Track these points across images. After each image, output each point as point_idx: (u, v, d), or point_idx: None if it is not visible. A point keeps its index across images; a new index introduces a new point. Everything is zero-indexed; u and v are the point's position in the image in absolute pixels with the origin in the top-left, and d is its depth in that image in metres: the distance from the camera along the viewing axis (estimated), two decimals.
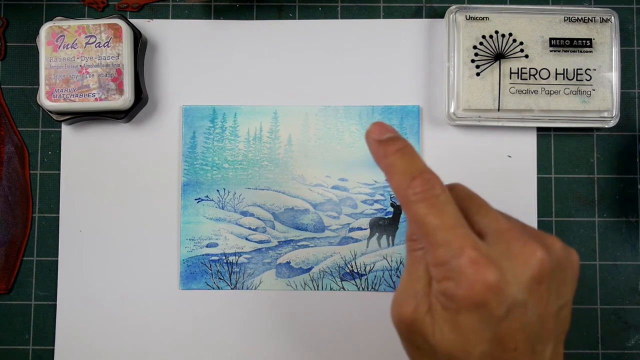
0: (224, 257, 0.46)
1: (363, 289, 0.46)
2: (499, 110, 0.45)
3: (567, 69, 0.46)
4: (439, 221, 0.31)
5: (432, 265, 0.31)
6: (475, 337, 0.31)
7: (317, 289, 0.46)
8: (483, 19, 0.46)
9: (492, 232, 0.32)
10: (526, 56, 0.46)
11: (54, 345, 0.46)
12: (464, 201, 0.33)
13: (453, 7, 0.46)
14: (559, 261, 0.32)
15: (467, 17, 0.46)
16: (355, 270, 0.46)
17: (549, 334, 0.32)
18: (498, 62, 0.46)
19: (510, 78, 0.45)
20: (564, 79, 0.46)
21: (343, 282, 0.46)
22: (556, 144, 0.48)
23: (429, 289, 0.32)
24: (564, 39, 0.46)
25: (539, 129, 0.48)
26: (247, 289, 0.46)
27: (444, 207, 0.31)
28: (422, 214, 0.31)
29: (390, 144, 0.33)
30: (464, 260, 0.30)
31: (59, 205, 0.47)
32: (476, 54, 0.46)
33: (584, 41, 0.46)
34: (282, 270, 0.46)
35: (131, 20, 0.47)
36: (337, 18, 0.48)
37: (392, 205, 0.47)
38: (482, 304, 0.30)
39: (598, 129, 0.48)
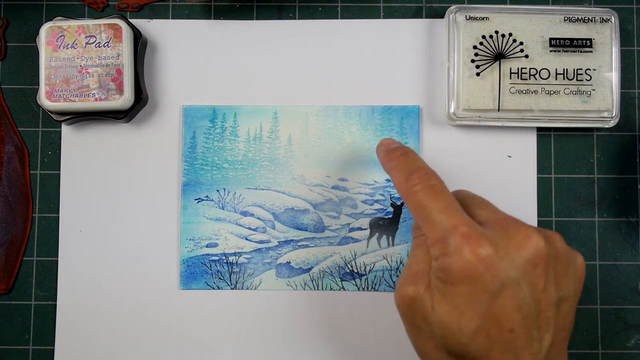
0: (224, 257, 0.46)
1: (363, 289, 0.46)
2: (499, 110, 0.45)
3: (567, 69, 0.46)
4: (434, 204, 0.34)
5: (430, 246, 0.34)
6: (470, 311, 0.32)
7: (317, 289, 0.46)
8: (483, 19, 0.46)
9: (491, 221, 0.34)
10: (526, 56, 0.46)
11: (54, 345, 0.46)
12: (466, 199, 0.36)
13: (453, 7, 0.46)
14: (558, 253, 0.34)
15: (467, 17, 0.46)
16: (355, 270, 0.46)
17: (547, 323, 0.33)
18: (498, 62, 0.46)
19: (510, 78, 0.45)
20: (564, 79, 0.46)
21: (343, 282, 0.46)
22: (556, 144, 0.48)
23: (428, 268, 0.34)
24: (564, 39, 0.46)
25: (539, 129, 0.48)
26: (247, 289, 0.46)
27: (438, 193, 0.34)
28: (419, 200, 0.34)
29: (395, 150, 0.38)
30: (457, 236, 0.32)
31: (59, 205, 0.47)
32: (476, 54, 0.46)
33: (584, 41, 0.46)
34: (282, 270, 0.46)
35: (131, 20, 0.47)
36: (337, 18, 0.48)
37: (392, 205, 0.47)
38: (475, 276, 0.32)
39: (598, 129, 0.48)
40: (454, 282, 0.32)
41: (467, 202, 0.36)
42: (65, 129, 0.47)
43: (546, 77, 0.46)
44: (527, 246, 0.32)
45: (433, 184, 0.35)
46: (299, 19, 0.48)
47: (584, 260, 0.35)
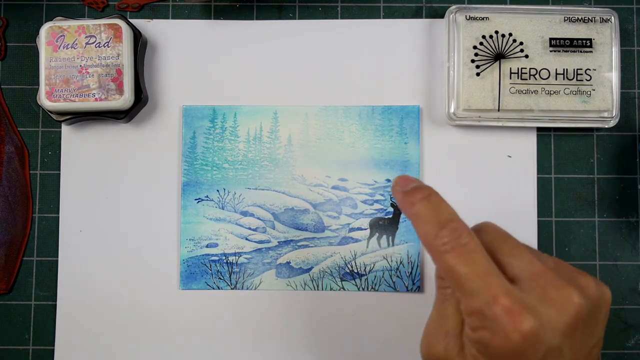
0: (224, 257, 0.46)
1: (363, 289, 0.46)
2: (499, 110, 0.45)
3: (567, 69, 0.46)
4: (469, 270, 0.30)
5: (465, 314, 0.31)
6: None
7: (317, 289, 0.46)
8: (483, 19, 0.46)
9: (526, 276, 0.31)
10: (526, 56, 0.46)
11: (54, 345, 0.46)
12: (494, 243, 0.33)
13: (453, 7, 0.46)
14: (594, 303, 0.32)
15: (467, 17, 0.46)
16: (355, 270, 0.46)
17: None
18: (498, 62, 0.46)
19: (510, 78, 0.45)
20: (564, 79, 0.46)
21: (343, 282, 0.46)
22: (556, 144, 0.48)
23: (460, 329, 0.32)
24: (564, 39, 0.46)
25: (539, 129, 0.48)
26: (247, 289, 0.46)
27: (473, 255, 0.30)
28: (451, 264, 0.30)
29: (415, 193, 0.33)
30: (498, 308, 0.29)
31: (59, 205, 0.47)
32: (476, 54, 0.46)
33: (584, 41, 0.46)
34: (282, 270, 0.46)
35: (131, 20, 0.47)
36: (337, 18, 0.48)
37: (392, 205, 0.47)
38: (519, 353, 0.30)
39: (598, 129, 0.48)
40: (494, 356, 0.30)
41: (495, 247, 0.32)
42: (65, 129, 0.47)
43: (546, 77, 0.46)
44: (569, 309, 0.30)
45: (465, 243, 0.31)
46: (299, 19, 0.48)
47: (610, 291, 0.33)
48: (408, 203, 0.33)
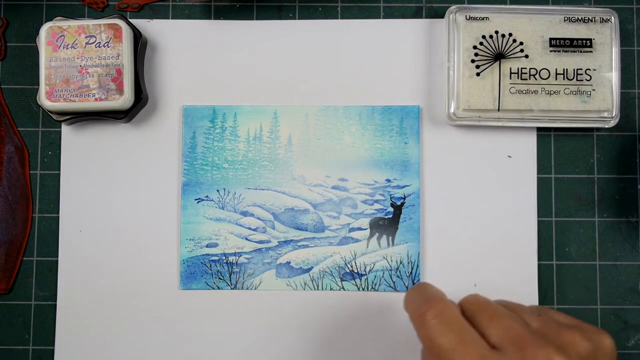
0: (224, 257, 0.46)
1: (363, 289, 0.46)
2: (499, 110, 0.45)
3: (567, 69, 0.45)
4: (446, 340, 0.32)
5: None
6: None
7: (317, 289, 0.46)
8: (483, 19, 0.46)
9: (505, 341, 0.32)
10: (526, 56, 0.46)
11: (54, 345, 0.46)
12: (475, 315, 0.34)
13: (453, 7, 0.46)
14: (583, 357, 0.32)
15: (467, 17, 0.46)
16: (355, 270, 0.46)
17: None
18: (498, 62, 0.46)
19: (510, 78, 0.45)
20: (564, 79, 0.46)
21: (343, 282, 0.46)
22: (556, 144, 0.48)
23: None
24: (564, 39, 0.46)
25: (539, 129, 0.48)
26: (247, 289, 0.46)
27: (451, 327, 0.32)
28: (432, 336, 0.32)
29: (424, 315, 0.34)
30: None
31: (59, 205, 0.47)
32: (476, 54, 0.46)
33: (584, 41, 0.46)
34: (282, 270, 0.46)
35: (131, 20, 0.47)
36: (337, 18, 0.48)
37: (392, 205, 0.47)
38: None
39: (598, 129, 0.48)
40: None
41: (476, 319, 0.34)
42: (65, 129, 0.47)
43: (546, 77, 0.46)
44: None
45: (445, 316, 0.33)
46: (299, 19, 0.48)
47: (612, 339, 0.34)
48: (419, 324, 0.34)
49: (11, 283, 0.47)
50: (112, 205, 0.47)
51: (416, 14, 0.48)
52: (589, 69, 0.45)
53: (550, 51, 0.46)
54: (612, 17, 0.46)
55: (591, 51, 0.46)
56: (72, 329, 0.46)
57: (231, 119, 0.47)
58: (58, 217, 0.47)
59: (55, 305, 0.46)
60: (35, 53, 0.47)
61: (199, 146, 0.47)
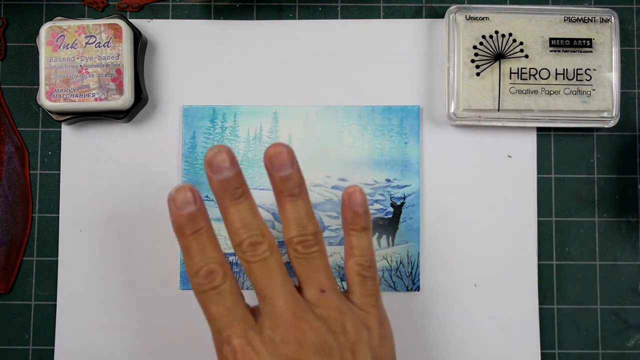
0: None
1: None
2: (499, 110, 0.45)
3: (567, 69, 0.46)
4: (216, 311, 0.34)
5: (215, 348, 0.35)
6: None
7: None
8: (483, 19, 0.46)
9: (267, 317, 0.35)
10: (526, 56, 0.46)
11: (54, 345, 0.46)
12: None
13: (453, 7, 0.46)
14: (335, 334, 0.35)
15: (467, 17, 0.46)
16: None
17: None
18: (498, 62, 0.46)
19: (510, 78, 0.45)
20: (564, 79, 0.46)
21: (343, 282, 0.46)
22: (556, 144, 0.48)
23: None
24: (564, 39, 0.46)
25: (539, 129, 0.48)
26: (247, 289, 0.46)
27: (223, 297, 0.35)
28: (205, 304, 0.35)
29: (188, 225, 0.35)
30: (228, 348, 0.34)
31: (59, 205, 0.47)
32: (476, 54, 0.46)
33: (584, 41, 0.46)
34: None
35: (131, 20, 0.47)
36: (337, 18, 0.48)
37: (392, 205, 0.47)
38: None
39: (598, 129, 0.48)
40: None
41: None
42: (65, 129, 0.47)
43: (546, 77, 0.46)
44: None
45: (217, 285, 0.35)
46: (299, 19, 0.48)
47: (379, 319, 0.37)
48: (181, 235, 0.35)
49: (11, 283, 0.47)
50: (112, 205, 0.47)
51: (416, 14, 0.48)
52: (589, 69, 0.46)
53: (550, 51, 0.46)
54: (612, 17, 0.46)
55: (591, 51, 0.46)
56: (72, 329, 0.46)
57: (231, 119, 0.47)
58: (58, 217, 0.47)
59: (55, 305, 0.46)
60: (35, 53, 0.47)
61: (199, 146, 0.47)
